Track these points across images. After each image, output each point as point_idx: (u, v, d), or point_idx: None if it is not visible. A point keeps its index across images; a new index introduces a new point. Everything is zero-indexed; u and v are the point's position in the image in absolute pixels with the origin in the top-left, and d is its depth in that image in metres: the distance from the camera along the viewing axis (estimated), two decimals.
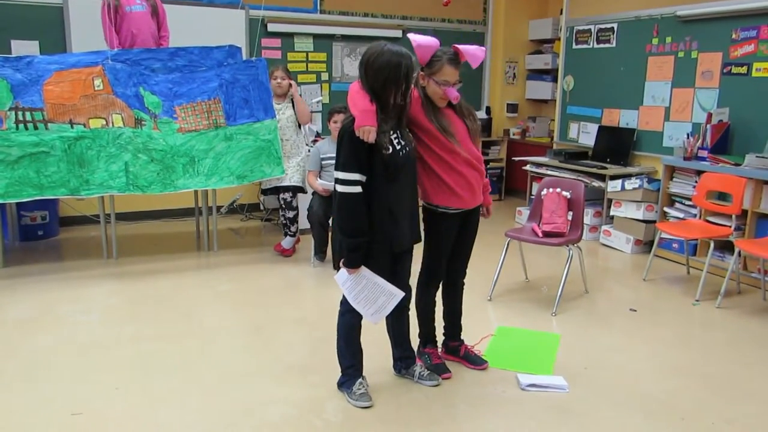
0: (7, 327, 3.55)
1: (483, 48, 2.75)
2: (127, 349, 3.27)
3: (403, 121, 2.64)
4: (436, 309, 3.11)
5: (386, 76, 2.45)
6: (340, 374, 2.83)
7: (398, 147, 2.56)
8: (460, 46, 2.72)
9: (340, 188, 2.52)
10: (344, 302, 2.72)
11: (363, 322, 2.76)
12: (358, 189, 2.50)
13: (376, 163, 2.51)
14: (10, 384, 2.89)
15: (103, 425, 2.57)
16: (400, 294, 2.64)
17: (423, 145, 2.74)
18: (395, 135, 2.57)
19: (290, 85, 4.96)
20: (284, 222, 4.99)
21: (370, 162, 2.50)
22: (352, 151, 2.48)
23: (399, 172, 2.57)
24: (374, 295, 2.61)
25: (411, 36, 2.69)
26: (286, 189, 4.92)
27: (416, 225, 2.75)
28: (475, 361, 3.14)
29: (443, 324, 3.19)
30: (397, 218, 2.60)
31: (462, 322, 3.20)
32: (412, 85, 2.55)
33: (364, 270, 2.58)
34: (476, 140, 2.88)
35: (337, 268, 2.67)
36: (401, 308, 2.77)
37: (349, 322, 2.75)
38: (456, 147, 2.73)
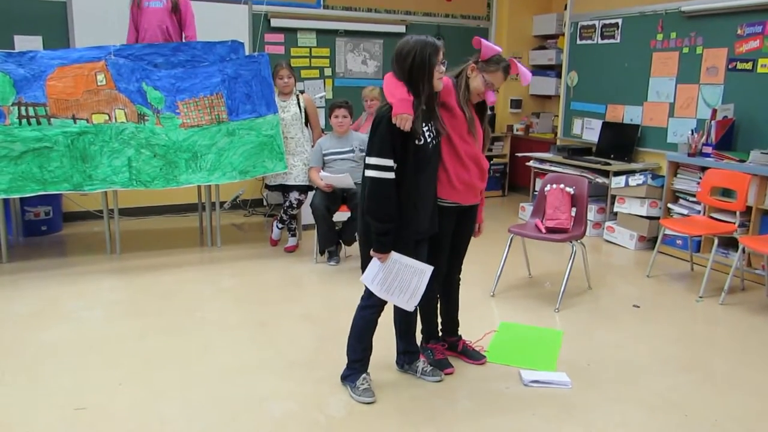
0: (10, 322, 3.55)
1: (531, 73, 2.89)
2: (131, 344, 3.28)
3: (435, 112, 2.67)
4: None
5: (413, 58, 2.50)
6: (345, 367, 2.83)
7: (429, 138, 2.60)
8: (517, 62, 2.85)
9: (372, 173, 2.53)
10: (365, 297, 2.73)
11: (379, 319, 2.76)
12: (391, 175, 2.52)
13: (407, 152, 2.54)
14: (14, 379, 2.90)
15: (106, 420, 2.57)
16: (429, 268, 2.65)
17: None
18: (427, 127, 2.60)
19: (299, 90, 5.02)
20: (287, 218, 4.98)
21: (402, 150, 2.53)
22: (387, 138, 2.50)
23: (427, 163, 2.62)
24: (407, 278, 2.62)
25: (479, 39, 2.79)
26: (298, 188, 4.92)
27: (435, 215, 2.76)
28: (474, 356, 3.15)
29: (440, 320, 3.19)
30: (419, 207, 2.63)
31: (461, 318, 3.20)
32: (440, 68, 2.57)
33: (393, 254, 2.59)
34: (485, 147, 2.95)
35: (365, 267, 2.67)
36: None
37: (368, 317, 2.74)
38: (471, 139, 2.79)
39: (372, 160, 2.53)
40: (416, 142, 2.54)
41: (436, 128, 2.68)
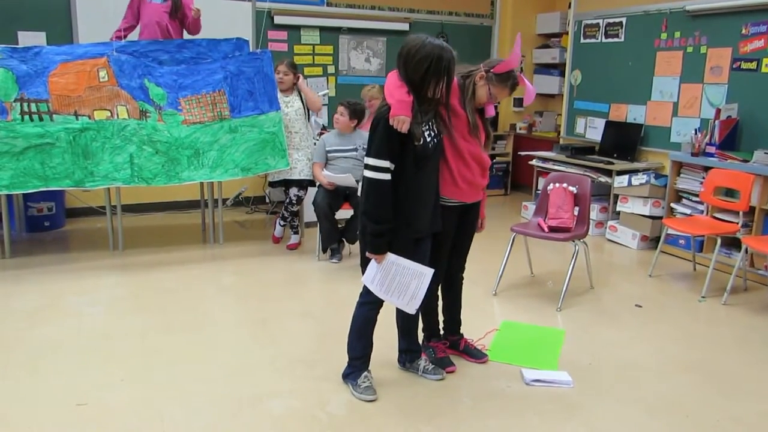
0: (13, 317, 3.56)
1: (535, 89, 2.97)
2: (132, 341, 3.28)
3: (437, 112, 2.64)
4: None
5: (426, 68, 2.44)
6: (347, 365, 2.83)
7: (428, 138, 2.58)
8: (525, 80, 2.92)
9: (369, 174, 2.52)
10: (364, 293, 2.72)
11: (378, 316, 2.75)
12: (387, 176, 2.51)
13: (407, 152, 2.52)
14: (16, 374, 2.90)
15: (107, 416, 2.57)
16: (430, 271, 2.62)
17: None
18: (426, 126, 2.58)
19: (295, 79, 4.96)
20: (289, 215, 4.98)
21: (402, 150, 2.51)
22: (384, 139, 2.49)
23: (428, 163, 2.60)
24: (406, 281, 2.60)
25: (519, 40, 2.84)
26: (298, 184, 4.91)
27: (437, 214, 2.75)
28: (475, 355, 3.15)
29: (443, 318, 3.19)
30: (420, 206, 2.62)
31: (463, 316, 3.19)
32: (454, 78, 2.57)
33: (390, 256, 2.58)
34: (487, 149, 2.95)
35: (363, 266, 2.66)
36: None
37: (367, 314, 2.74)
38: (474, 139, 2.79)
39: (369, 161, 2.52)
40: (416, 143, 2.51)
41: (438, 128, 2.65)
